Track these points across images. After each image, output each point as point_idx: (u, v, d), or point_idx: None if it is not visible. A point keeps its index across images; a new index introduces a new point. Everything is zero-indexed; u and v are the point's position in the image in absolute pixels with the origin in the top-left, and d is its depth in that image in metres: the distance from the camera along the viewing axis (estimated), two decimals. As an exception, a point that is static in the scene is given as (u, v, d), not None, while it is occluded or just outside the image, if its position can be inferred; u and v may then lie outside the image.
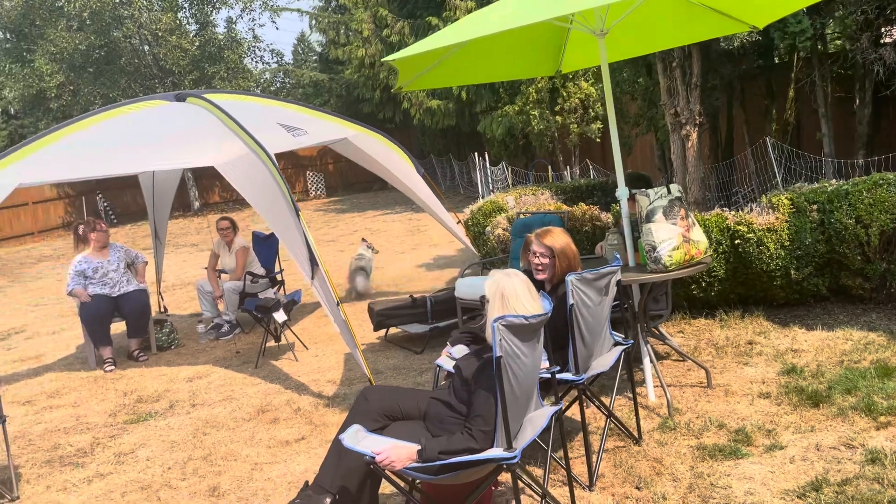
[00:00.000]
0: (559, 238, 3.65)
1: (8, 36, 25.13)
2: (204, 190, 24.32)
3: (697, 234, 3.96)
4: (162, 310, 8.70)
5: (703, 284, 5.51)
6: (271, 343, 6.63)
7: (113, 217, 22.70)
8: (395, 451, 2.57)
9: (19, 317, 9.88)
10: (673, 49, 7.54)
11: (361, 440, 2.70)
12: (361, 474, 2.92)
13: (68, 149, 5.66)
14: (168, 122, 5.96)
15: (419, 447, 2.60)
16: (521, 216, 6.16)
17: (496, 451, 2.57)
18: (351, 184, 25.78)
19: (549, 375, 3.02)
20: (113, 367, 6.61)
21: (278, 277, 7.79)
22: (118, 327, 7.00)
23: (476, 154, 14.92)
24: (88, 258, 6.89)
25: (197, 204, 23.63)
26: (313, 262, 4.70)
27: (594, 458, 3.49)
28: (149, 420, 5.21)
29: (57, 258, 16.07)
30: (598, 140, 13.34)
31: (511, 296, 2.79)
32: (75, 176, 5.69)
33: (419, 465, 2.57)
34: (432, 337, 6.06)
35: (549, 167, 13.43)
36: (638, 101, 10.02)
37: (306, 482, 3.06)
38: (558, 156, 13.75)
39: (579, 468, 3.54)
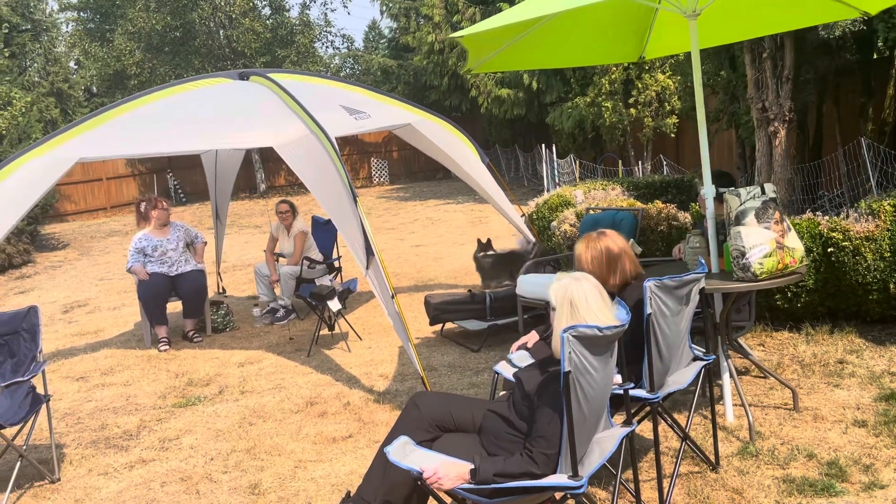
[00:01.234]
0: (594, 246, 3.22)
1: (90, 15, 25.88)
2: (270, 172, 24.55)
3: (793, 241, 3.54)
4: (220, 291, 8.67)
5: (789, 294, 5.05)
6: (324, 331, 6.46)
7: (182, 196, 23.15)
8: (445, 470, 2.29)
9: (84, 290, 10.03)
10: (763, 38, 7.01)
11: (408, 454, 2.44)
12: (408, 489, 2.66)
13: (129, 125, 5.57)
14: (230, 100, 5.81)
15: (472, 466, 2.32)
16: (591, 212, 5.79)
17: (559, 479, 2.26)
18: (414, 172, 25.63)
19: (620, 392, 2.70)
20: (167, 347, 6.55)
21: (336, 264, 7.63)
22: (174, 307, 6.95)
23: (543, 146, 14.49)
24: (148, 236, 6.86)
25: (263, 186, 23.87)
26: (369, 252, 4.47)
27: (666, 483, 3.15)
28: (197, 405, 5.08)
29: (125, 234, 16.41)
30: (672, 135, 12.75)
31: (581, 303, 2.47)
32: (135, 152, 5.61)
33: (471, 486, 2.29)
34: (490, 334, 5.76)
35: (619, 162, 12.93)
36: (719, 95, 9.45)
37: (348, 492, 2.82)
38: (629, 150, 13.22)
39: (648, 493, 3.20)
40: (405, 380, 5.15)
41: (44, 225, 16.04)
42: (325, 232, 7.83)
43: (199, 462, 4.06)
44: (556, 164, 13.55)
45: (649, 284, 2.87)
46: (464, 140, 7.12)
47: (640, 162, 12.46)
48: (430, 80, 20.06)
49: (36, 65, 23.58)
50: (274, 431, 4.41)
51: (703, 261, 3.20)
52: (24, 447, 3.86)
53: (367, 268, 4.50)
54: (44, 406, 3.96)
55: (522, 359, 3.10)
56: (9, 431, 4.04)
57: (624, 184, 7.61)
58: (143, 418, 4.91)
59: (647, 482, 3.29)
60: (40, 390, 4.04)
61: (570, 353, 2.24)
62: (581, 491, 2.24)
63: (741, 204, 3.45)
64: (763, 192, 3.47)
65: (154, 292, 6.62)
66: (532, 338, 3.33)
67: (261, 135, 5.28)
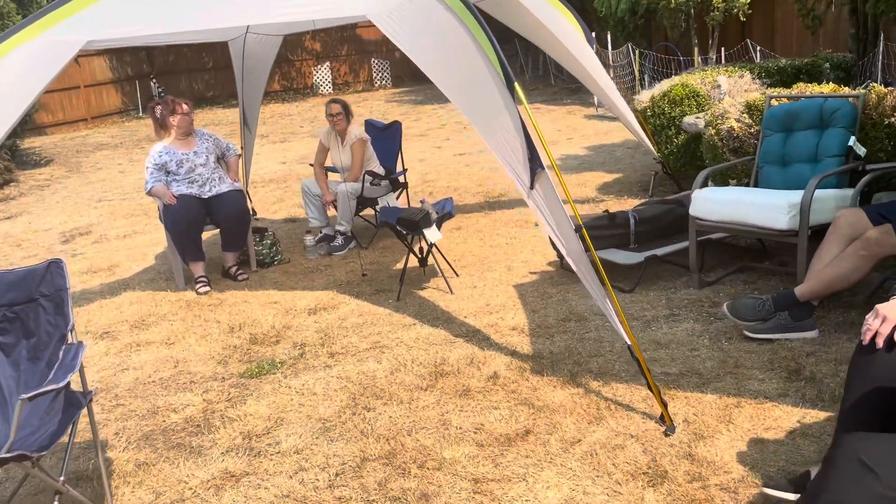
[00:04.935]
0: None
1: None
2: (263, 76, 22.50)
3: None
4: (250, 213, 7.25)
5: None
6: (412, 264, 5.11)
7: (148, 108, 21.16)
8: None
9: (82, 214, 8.54)
10: None
11: None
12: None
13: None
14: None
15: None
16: (775, 102, 4.37)
17: None
18: (419, 74, 23.59)
19: None
20: (208, 288, 5.20)
21: (401, 179, 6.20)
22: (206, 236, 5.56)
23: (593, 35, 12.74)
24: (171, 149, 5.37)
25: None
26: (535, 163, 3.06)
27: None
28: (274, 373, 3.78)
29: (115, 147, 14.70)
30: (742, 19, 11.11)
31: None
32: (159, 31, 4.06)
33: None
34: (645, 268, 4.42)
35: (691, 51, 11.28)
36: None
37: None
38: (693, 38, 11.58)
39: None
40: (552, 335, 3.84)
41: (23, 138, 14.26)
42: (383, 139, 6.35)
43: (320, 481, 2.77)
44: (610, 56, 11.91)
45: None
46: (568, 16, 5.59)
47: (720, 49, 10.82)
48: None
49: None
50: (409, 423, 3.12)
51: None
52: (62, 476, 2.53)
53: (532, 186, 3.10)
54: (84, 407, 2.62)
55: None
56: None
57: (754, 70, 6.16)
58: (206, 397, 3.60)
59: None
60: (75, 385, 2.69)
61: None
62: None
63: None
64: None
65: (186, 219, 5.20)
66: None
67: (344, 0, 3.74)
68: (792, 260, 4.43)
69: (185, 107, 5.47)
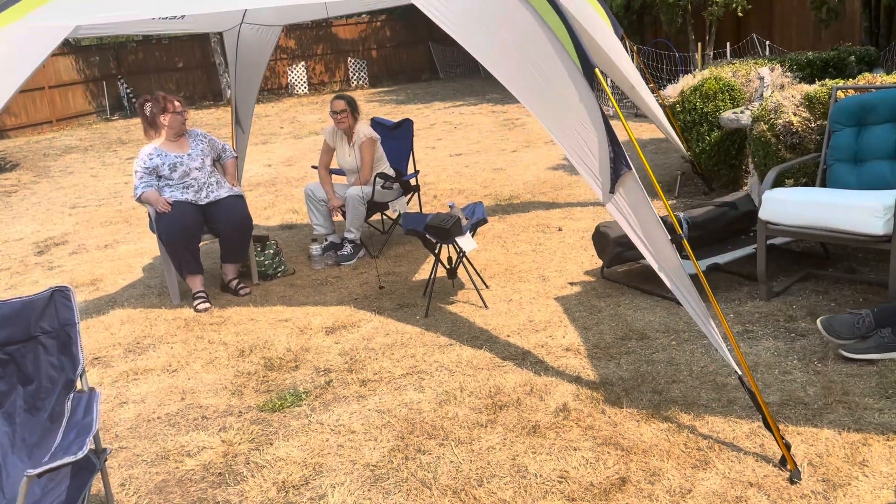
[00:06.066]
0: None
1: None
2: (236, 76, 21.82)
3: None
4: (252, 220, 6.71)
5: None
6: (440, 273, 4.65)
7: (136, 105, 20.40)
8: None
9: (56, 222, 7.91)
10: None
11: None
12: None
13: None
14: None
15: None
16: (843, 94, 3.99)
17: None
18: (396, 73, 23.18)
19: None
20: (208, 305, 4.68)
21: (412, 182, 5.74)
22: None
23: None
24: (162, 151, 4.84)
25: (230, 92, 21.20)
26: (619, 162, 2.63)
27: None
28: (299, 405, 3.30)
29: (84, 150, 13.97)
30: (740, 14, 10.83)
31: None
32: (148, 15, 3.53)
33: None
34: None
35: (687, 47, 10.98)
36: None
37: None
38: (690, 34, 11.28)
39: None
40: (615, 357, 3.41)
41: (-16, 142, 13.47)
42: (393, 139, 5.88)
43: (385, 549, 2.31)
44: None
45: None
46: (596, 6, 5.17)
47: (723, 45, 10.51)
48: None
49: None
50: (476, 470, 2.65)
51: None
52: (72, 559, 2.03)
53: (613, 190, 2.67)
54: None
55: None
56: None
57: (785, 63, 5.83)
58: (224, 437, 3.11)
59: None
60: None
61: None
62: None
63: None
64: None
65: (182, 229, 4.68)
66: None
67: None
68: (861, 267, 4.08)
69: (176, 104, 4.94)
